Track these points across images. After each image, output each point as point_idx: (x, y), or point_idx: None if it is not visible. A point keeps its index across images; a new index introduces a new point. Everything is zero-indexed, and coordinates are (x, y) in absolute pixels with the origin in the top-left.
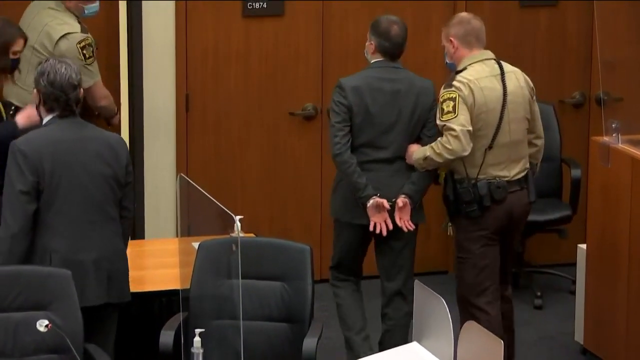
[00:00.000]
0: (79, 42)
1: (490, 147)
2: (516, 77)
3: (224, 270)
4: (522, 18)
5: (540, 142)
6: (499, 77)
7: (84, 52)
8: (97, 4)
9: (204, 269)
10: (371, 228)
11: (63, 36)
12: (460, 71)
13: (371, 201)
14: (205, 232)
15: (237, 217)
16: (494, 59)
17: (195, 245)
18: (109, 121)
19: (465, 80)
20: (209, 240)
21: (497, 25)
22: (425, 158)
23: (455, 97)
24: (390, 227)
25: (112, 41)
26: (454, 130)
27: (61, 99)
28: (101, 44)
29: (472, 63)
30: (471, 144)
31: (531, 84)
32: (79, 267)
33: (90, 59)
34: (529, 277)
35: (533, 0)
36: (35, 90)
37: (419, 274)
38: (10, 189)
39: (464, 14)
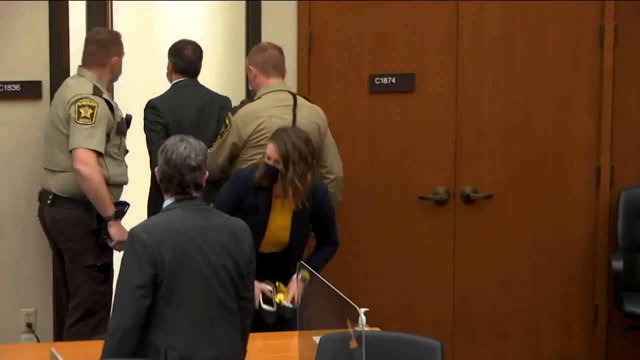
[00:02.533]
0: (79, 100)
1: None
2: (308, 111)
3: None
4: None
5: (332, 177)
6: (290, 107)
7: (80, 110)
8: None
9: None
10: None
11: (71, 98)
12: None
13: None
14: (326, 325)
15: (362, 310)
16: (289, 92)
17: (317, 339)
18: (100, 212)
19: (248, 111)
20: (331, 334)
21: None
22: None
23: (227, 129)
24: None
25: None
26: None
27: (174, 179)
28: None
29: (266, 92)
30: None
31: (324, 119)
32: None
33: (84, 120)
34: None
35: None
36: (156, 168)
37: None
38: (124, 280)
39: (263, 43)
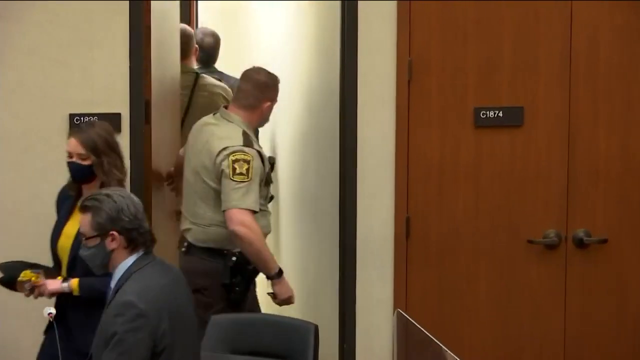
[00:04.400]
0: (233, 154)
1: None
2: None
3: None
4: None
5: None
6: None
7: (235, 165)
8: None
9: None
10: None
11: (222, 150)
12: None
13: None
14: None
15: None
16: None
17: None
18: (267, 274)
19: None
20: None
21: None
22: None
23: None
24: None
25: None
26: None
27: (145, 231)
28: None
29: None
30: None
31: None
32: None
33: (240, 177)
34: None
35: None
36: (112, 233)
37: None
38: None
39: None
